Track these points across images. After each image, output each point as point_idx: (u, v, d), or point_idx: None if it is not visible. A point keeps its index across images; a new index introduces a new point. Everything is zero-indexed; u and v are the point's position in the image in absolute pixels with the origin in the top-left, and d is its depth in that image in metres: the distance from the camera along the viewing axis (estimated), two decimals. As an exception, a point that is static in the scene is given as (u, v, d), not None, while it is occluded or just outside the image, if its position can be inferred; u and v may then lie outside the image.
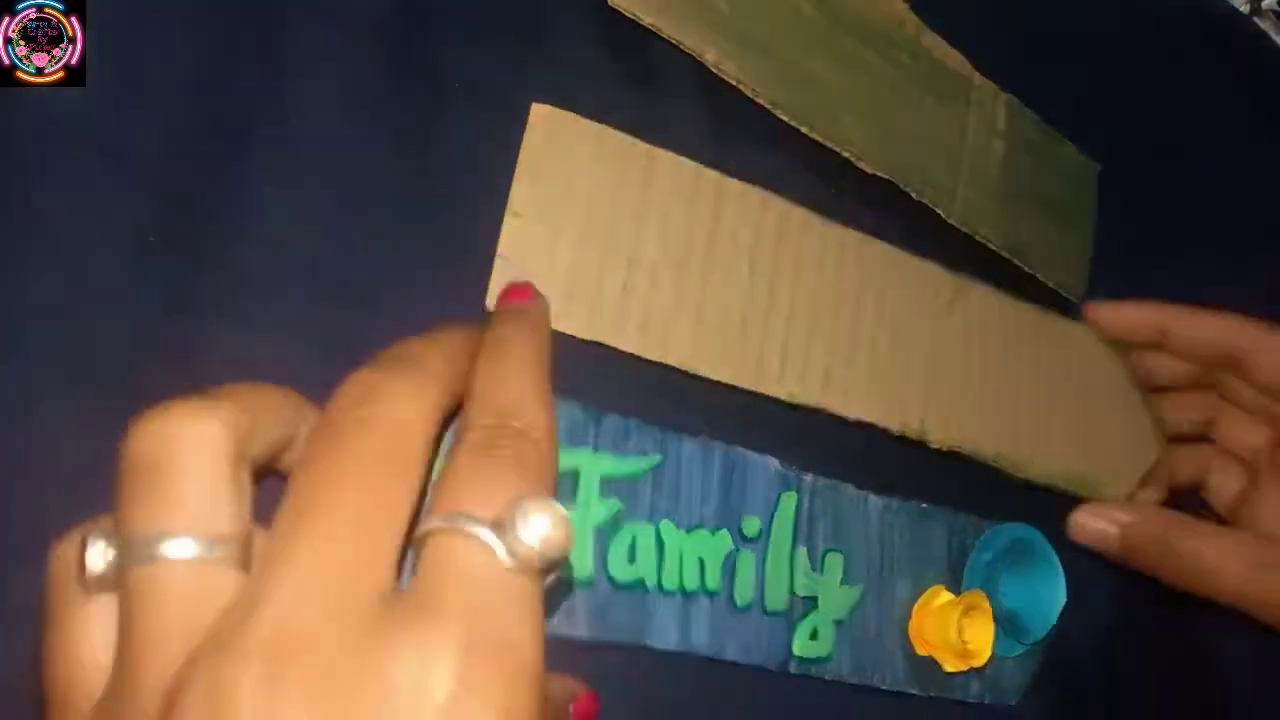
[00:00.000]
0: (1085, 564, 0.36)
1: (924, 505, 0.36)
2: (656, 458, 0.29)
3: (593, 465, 0.28)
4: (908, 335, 0.36)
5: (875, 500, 0.34)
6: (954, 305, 0.37)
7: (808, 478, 0.33)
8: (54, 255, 0.23)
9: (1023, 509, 0.39)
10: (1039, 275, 0.43)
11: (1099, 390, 0.40)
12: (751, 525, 0.31)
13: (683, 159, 0.32)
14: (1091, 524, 0.35)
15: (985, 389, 0.37)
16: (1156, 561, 0.34)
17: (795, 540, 0.32)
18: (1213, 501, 0.39)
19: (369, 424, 0.17)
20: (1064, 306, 0.44)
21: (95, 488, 0.23)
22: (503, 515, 0.16)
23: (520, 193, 0.29)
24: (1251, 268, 0.54)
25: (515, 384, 0.20)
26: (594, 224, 0.30)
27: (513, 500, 0.16)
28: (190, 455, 0.16)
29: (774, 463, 0.32)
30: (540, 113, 0.30)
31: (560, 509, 0.17)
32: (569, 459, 0.28)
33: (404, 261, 0.28)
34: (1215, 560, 0.32)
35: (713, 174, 0.32)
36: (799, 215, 0.34)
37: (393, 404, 0.18)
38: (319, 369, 0.26)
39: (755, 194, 0.33)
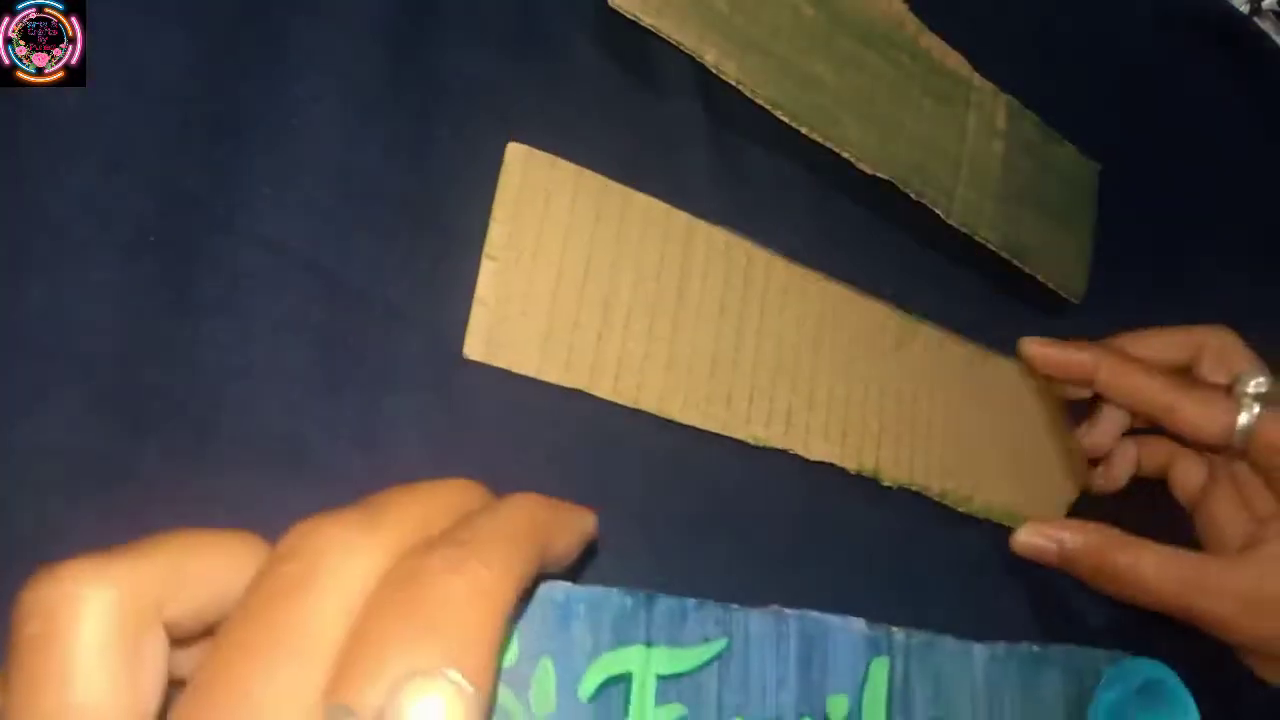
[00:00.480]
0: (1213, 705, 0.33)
1: (1035, 648, 0.32)
2: (722, 642, 0.25)
3: (647, 663, 0.24)
4: (861, 375, 0.36)
5: (980, 651, 0.30)
6: (901, 344, 0.37)
7: (899, 635, 0.28)
8: (54, 255, 0.23)
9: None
10: (1039, 276, 0.43)
11: (1028, 426, 0.42)
12: (838, 707, 0.27)
13: (655, 200, 0.32)
14: (1033, 540, 0.36)
15: (932, 426, 0.38)
16: (1094, 574, 0.35)
17: (890, 716, 0.28)
18: (1176, 493, 0.40)
19: (295, 588, 0.15)
20: (1061, 307, 0.44)
21: (95, 487, 0.23)
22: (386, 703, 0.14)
23: (497, 235, 0.29)
24: (1251, 267, 0.54)
25: (487, 526, 0.16)
26: (570, 267, 0.30)
27: (398, 682, 0.14)
28: (75, 631, 0.14)
29: (859, 624, 0.28)
30: (516, 152, 0.29)
31: (464, 690, 0.14)
32: (617, 661, 0.24)
33: (404, 261, 0.28)
34: (1152, 575, 0.34)
35: (683, 215, 0.32)
36: (763, 257, 0.34)
37: (327, 561, 0.15)
38: (319, 369, 0.27)
39: (721, 235, 0.33)
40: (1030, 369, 0.38)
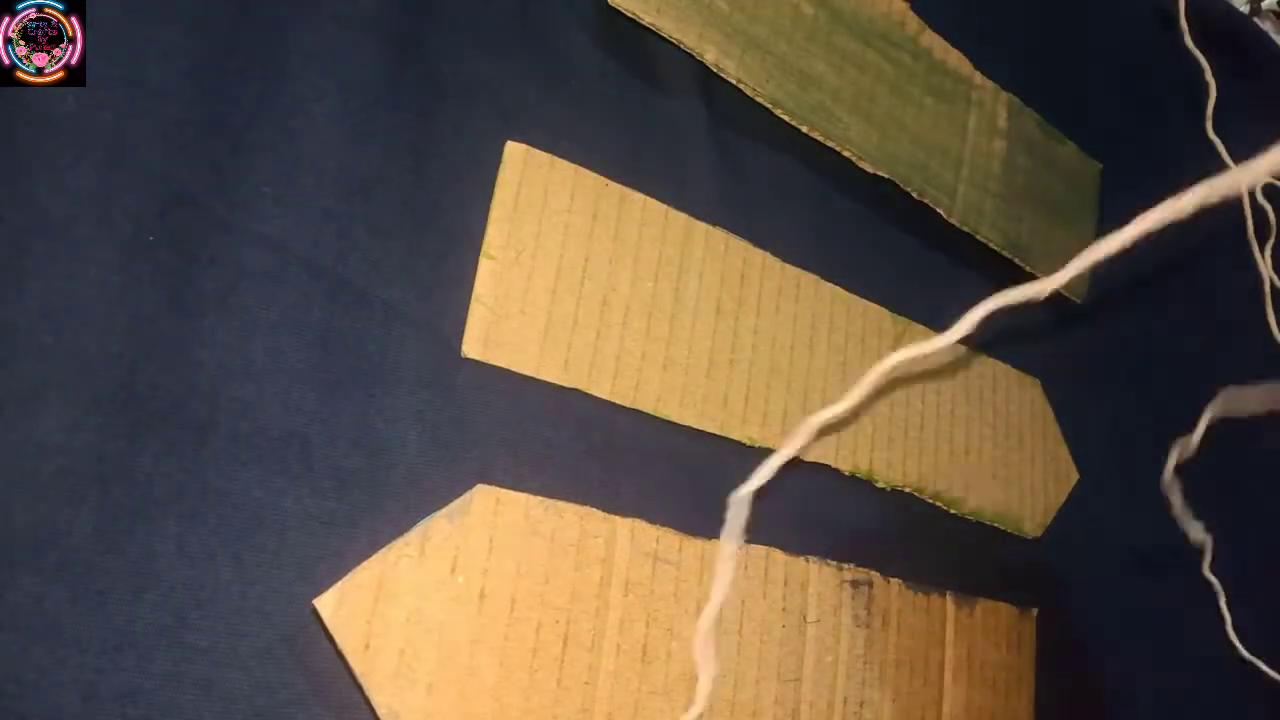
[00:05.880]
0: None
1: None
2: None
3: None
4: (856, 377, 0.36)
5: None
6: (896, 346, 0.37)
7: None
8: (54, 255, 0.23)
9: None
10: (1039, 275, 0.42)
11: (1019, 426, 0.41)
12: None
13: (653, 200, 0.32)
14: None
15: (924, 428, 0.38)
16: None
17: None
18: None
19: None
20: (1063, 306, 0.44)
21: (95, 487, 0.23)
22: None
23: (495, 234, 0.29)
24: (1252, 267, 0.54)
25: None
26: (568, 266, 0.30)
27: None
28: None
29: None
30: (515, 151, 0.29)
31: None
32: None
33: (403, 261, 0.28)
34: None
35: (681, 215, 0.32)
36: (759, 257, 0.34)
37: None
38: (319, 368, 0.26)
39: (719, 235, 0.33)
40: None
